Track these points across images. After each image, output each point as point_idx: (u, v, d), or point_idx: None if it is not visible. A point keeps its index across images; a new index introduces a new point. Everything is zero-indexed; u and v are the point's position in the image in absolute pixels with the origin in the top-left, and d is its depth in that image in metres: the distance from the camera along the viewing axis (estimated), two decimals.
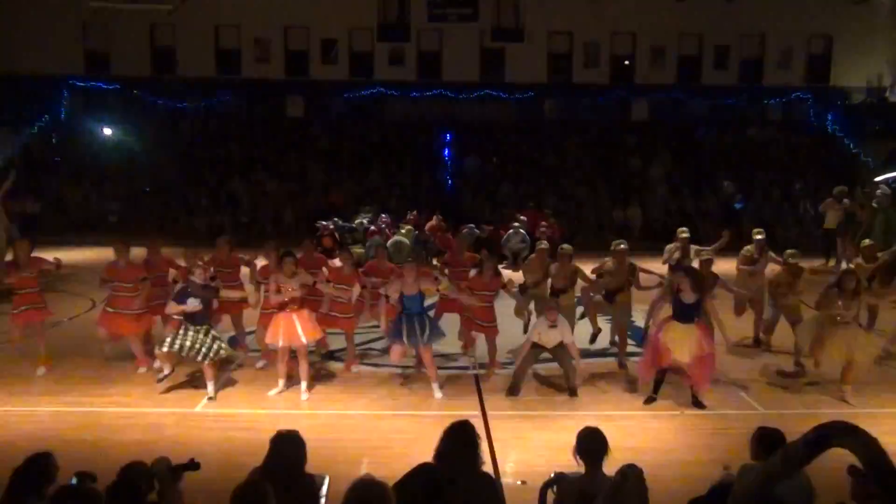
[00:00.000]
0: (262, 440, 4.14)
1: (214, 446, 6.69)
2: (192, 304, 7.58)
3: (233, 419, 7.37)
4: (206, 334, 7.67)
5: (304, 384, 8.05)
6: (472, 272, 9.52)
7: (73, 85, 23.77)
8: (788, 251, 9.47)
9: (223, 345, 7.85)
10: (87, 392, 7.98)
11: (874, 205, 14.60)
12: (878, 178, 18.03)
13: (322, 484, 4.17)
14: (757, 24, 24.42)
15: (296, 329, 7.88)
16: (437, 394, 8.02)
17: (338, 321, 8.78)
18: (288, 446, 4.01)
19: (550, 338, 7.97)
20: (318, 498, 4.04)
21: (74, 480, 3.97)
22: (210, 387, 7.83)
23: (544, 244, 9.50)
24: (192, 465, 4.06)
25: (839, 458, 3.06)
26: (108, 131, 22.65)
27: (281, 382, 8.05)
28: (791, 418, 7.04)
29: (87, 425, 7.10)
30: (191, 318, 7.66)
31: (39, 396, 7.86)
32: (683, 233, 10.08)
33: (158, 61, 24.48)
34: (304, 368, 8.05)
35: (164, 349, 7.62)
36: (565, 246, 9.24)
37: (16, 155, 21.53)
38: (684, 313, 7.59)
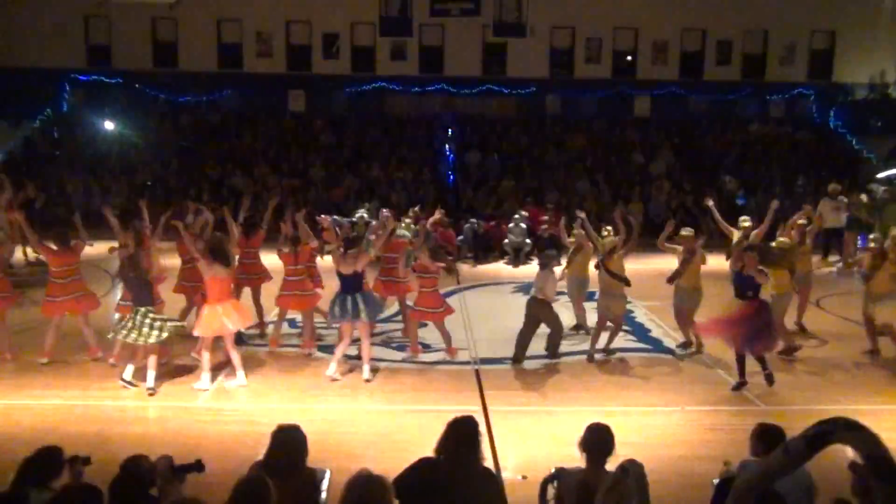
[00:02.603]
0: (263, 434, 4.15)
1: (215, 440, 6.71)
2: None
3: (234, 413, 7.39)
4: (144, 315, 7.74)
5: (239, 373, 8.04)
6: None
7: (75, 79, 23.75)
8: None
9: (169, 325, 7.89)
10: (87, 385, 8.00)
11: (872, 198, 14.65)
12: (880, 175, 18.00)
13: (323, 478, 4.18)
14: (760, 20, 24.35)
15: (220, 318, 7.86)
16: (367, 374, 8.20)
17: (300, 299, 9.08)
18: (289, 440, 4.02)
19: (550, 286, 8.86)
20: (318, 492, 4.05)
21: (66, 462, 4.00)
22: (150, 376, 7.75)
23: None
24: (197, 466, 4.07)
25: (840, 454, 3.06)
26: (109, 125, 22.61)
27: (208, 375, 7.99)
28: (791, 414, 7.05)
29: (89, 419, 7.12)
30: (136, 300, 7.79)
31: (40, 390, 7.87)
32: (745, 221, 10.34)
33: (160, 55, 24.44)
34: (234, 357, 8.03)
35: (119, 338, 7.78)
36: (613, 238, 9.52)
37: (16, 148, 21.54)
38: (743, 288, 8.02)
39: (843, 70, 24.66)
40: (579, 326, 10.28)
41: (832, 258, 15.98)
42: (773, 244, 9.47)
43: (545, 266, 8.97)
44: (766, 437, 4.17)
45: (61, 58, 23.28)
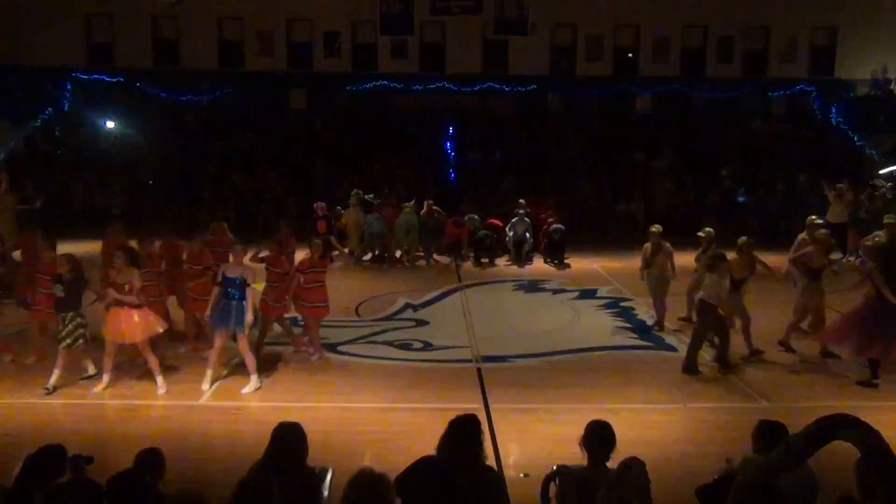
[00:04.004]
0: (266, 432, 4.15)
1: (218, 438, 6.72)
2: (57, 290, 7.68)
3: (236, 412, 7.40)
4: (70, 321, 7.74)
5: (158, 379, 7.84)
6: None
7: (76, 77, 23.72)
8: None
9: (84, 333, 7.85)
10: (91, 384, 7.99)
11: (874, 196, 14.63)
12: (882, 171, 17.95)
13: (325, 476, 4.19)
14: (761, 16, 24.30)
15: (120, 325, 7.65)
16: (255, 383, 7.89)
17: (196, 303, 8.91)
18: (289, 437, 4.02)
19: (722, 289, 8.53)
20: (320, 490, 4.06)
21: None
22: (53, 376, 7.71)
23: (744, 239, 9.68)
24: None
25: (843, 450, 3.06)
26: (110, 124, 22.63)
27: (105, 377, 7.84)
28: (793, 411, 7.03)
29: (92, 418, 7.14)
30: (58, 306, 7.75)
31: (42, 388, 7.86)
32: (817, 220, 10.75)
33: (161, 54, 24.43)
34: (151, 362, 7.85)
35: (63, 346, 7.73)
36: (743, 238, 9.53)
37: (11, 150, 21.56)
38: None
39: (844, 66, 24.58)
40: (658, 324, 10.36)
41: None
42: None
43: (713, 268, 8.50)
44: (768, 433, 4.16)
45: (62, 56, 23.25)
